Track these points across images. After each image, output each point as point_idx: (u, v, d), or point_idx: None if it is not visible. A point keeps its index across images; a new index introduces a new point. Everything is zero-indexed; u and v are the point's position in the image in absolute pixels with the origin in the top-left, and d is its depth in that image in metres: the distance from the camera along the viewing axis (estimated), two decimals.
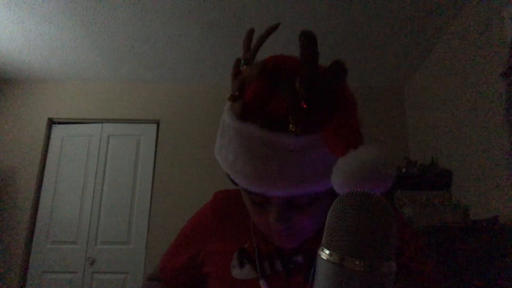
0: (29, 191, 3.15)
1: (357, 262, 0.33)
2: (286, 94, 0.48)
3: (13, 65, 3.14)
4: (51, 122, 3.40)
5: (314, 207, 0.53)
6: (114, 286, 2.98)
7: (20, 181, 3.17)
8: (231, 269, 0.60)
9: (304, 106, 0.46)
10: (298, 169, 0.48)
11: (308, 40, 0.45)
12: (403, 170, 2.51)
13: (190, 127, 3.34)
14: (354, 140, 0.46)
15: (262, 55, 0.56)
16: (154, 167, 3.27)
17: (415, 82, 3.13)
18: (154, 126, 3.39)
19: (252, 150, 0.49)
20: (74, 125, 3.39)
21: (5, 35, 2.69)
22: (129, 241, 3.09)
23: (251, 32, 0.57)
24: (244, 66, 0.54)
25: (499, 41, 1.89)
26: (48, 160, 3.29)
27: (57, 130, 3.38)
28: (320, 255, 0.36)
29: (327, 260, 0.35)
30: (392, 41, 2.70)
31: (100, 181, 3.21)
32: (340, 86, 0.49)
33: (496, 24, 1.92)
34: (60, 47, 2.87)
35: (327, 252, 0.35)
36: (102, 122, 3.38)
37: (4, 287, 2.94)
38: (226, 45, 2.80)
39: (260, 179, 0.48)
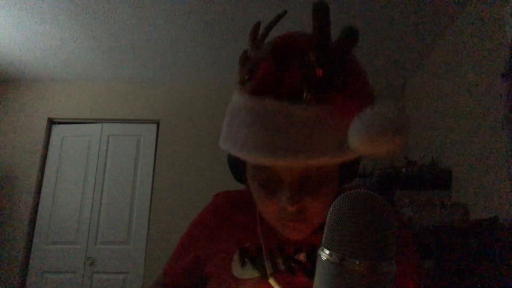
0: (29, 191, 3.15)
1: (357, 262, 0.33)
2: (299, 65, 0.48)
3: (13, 65, 3.14)
4: (51, 122, 3.40)
5: (324, 190, 0.52)
6: (114, 286, 2.98)
7: (20, 181, 3.17)
8: (232, 269, 0.60)
9: (319, 73, 0.46)
10: (312, 139, 0.47)
11: (320, 8, 0.45)
12: (403, 170, 2.51)
13: (190, 127, 3.34)
14: (369, 102, 0.46)
15: None
16: (154, 167, 3.27)
17: (415, 82, 3.13)
18: (154, 126, 3.39)
19: (266, 123, 0.48)
20: (74, 125, 3.39)
21: (5, 35, 2.69)
22: (129, 241, 3.09)
23: (257, 24, 0.58)
24: (253, 52, 0.54)
25: (499, 41, 1.89)
26: (48, 160, 3.28)
27: (57, 130, 3.38)
28: (320, 255, 0.36)
29: (327, 260, 0.35)
30: (392, 41, 2.69)
31: (100, 181, 3.21)
32: (352, 52, 0.49)
33: (496, 24, 1.92)
34: (60, 47, 2.87)
35: (327, 252, 0.35)
36: (102, 122, 3.38)
37: (4, 287, 2.94)
38: (226, 45, 2.80)
39: (275, 151, 0.47)
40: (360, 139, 0.43)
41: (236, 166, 0.60)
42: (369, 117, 0.43)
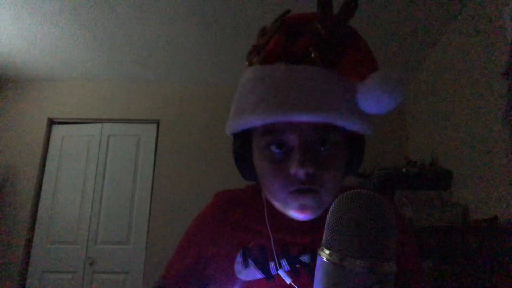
0: (29, 191, 3.15)
1: (357, 262, 0.33)
2: (306, 33, 0.54)
3: (13, 65, 3.14)
4: (51, 122, 3.40)
5: (332, 163, 0.54)
6: (114, 286, 2.98)
7: (20, 181, 3.17)
8: (235, 270, 0.59)
9: (324, 36, 0.52)
10: (320, 97, 0.51)
11: None
12: (403, 170, 2.51)
13: (190, 127, 3.34)
14: (372, 66, 0.53)
15: None
16: (154, 167, 3.26)
17: (415, 82, 3.13)
18: (154, 126, 3.39)
19: (278, 83, 0.52)
20: (74, 125, 3.38)
21: (5, 35, 2.69)
22: (129, 241, 3.09)
23: (264, 27, 0.63)
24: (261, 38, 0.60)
25: (499, 40, 1.89)
26: (48, 160, 3.28)
27: (57, 130, 3.38)
28: (320, 255, 0.36)
29: (327, 260, 0.35)
30: (392, 41, 2.69)
31: (100, 181, 3.21)
32: (351, 19, 0.54)
33: (497, 24, 1.92)
34: (60, 47, 2.87)
35: (327, 252, 0.35)
36: (102, 122, 3.37)
37: (4, 287, 2.94)
38: (226, 45, 2.80)
39: (286, 107, 0.50)
40: (368, 97, 0.50)
41: (242, 157, 0.61)
42: (373, 79, 0.50)
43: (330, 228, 0.36)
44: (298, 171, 0.51)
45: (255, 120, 0.53)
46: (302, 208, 0.53)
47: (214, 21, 2.52)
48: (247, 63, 0.61)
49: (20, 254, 3.01)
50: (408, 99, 3.29)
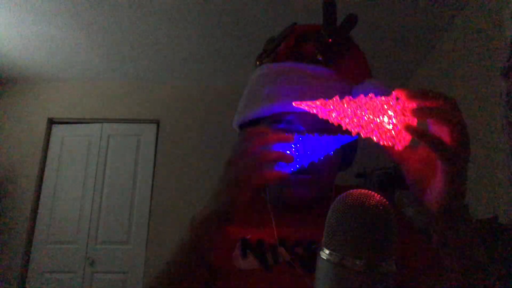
0: (29, 191, 3.15)
1: (357, 262, 0.33)
2: (313, 38, 0.64)
3: (13, 65, 3.14)
4: (51, 122, 3.40)
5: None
6: (114, 286, 2.98)
7: (20, 181, 3.17)
8: (234, 260, 0.61)
9: (329, 40, 0.62)
10: (324, 92, 0.60)
11: (329, 2, 0.64)
12: None
13: (190, 127, 3.34)
14: (366, 73, 0.65)
15: None
16: (154, 167, 3.27)
17: (415, 82, 3.13)
18: (154, 126, 3.39)
19: (288, 78, 0.62)
20: (74, 125, 3.39)
21: (5, 35, 2.69)
22: (129, 241, 3.09)
23: (272, 37, 0.73)
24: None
25: (499, 41, 1.89)
26: (48, 160, 3.28)
27: (57, 130, 3.38)
28: (320, 254, 0.36)
29: (327, 259, 0.35)
30: (392, 41, 2.70)
31: (100, 181, 3.21)
32: (351, 32, 0.64)
33: (497, 24, 1.92)
34: (60, 47, 2.87)
35: (327, 251, 0.35)
36: (102, 122, 3.38)
37: (4, 287, 2.94)
38: (226, 45, 2.80)
39: (294, 98, 0.58)
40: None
41: None
42: (366, 84, 0.60)
43: (330, 228, 0.36)
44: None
45: (268, 109, 0.61)
46: (299, 187, 0.62)
47: (214, 21, 2.52)
48: (257, 63, 0.70)
49: (20, 254, 3.01)
50: None
